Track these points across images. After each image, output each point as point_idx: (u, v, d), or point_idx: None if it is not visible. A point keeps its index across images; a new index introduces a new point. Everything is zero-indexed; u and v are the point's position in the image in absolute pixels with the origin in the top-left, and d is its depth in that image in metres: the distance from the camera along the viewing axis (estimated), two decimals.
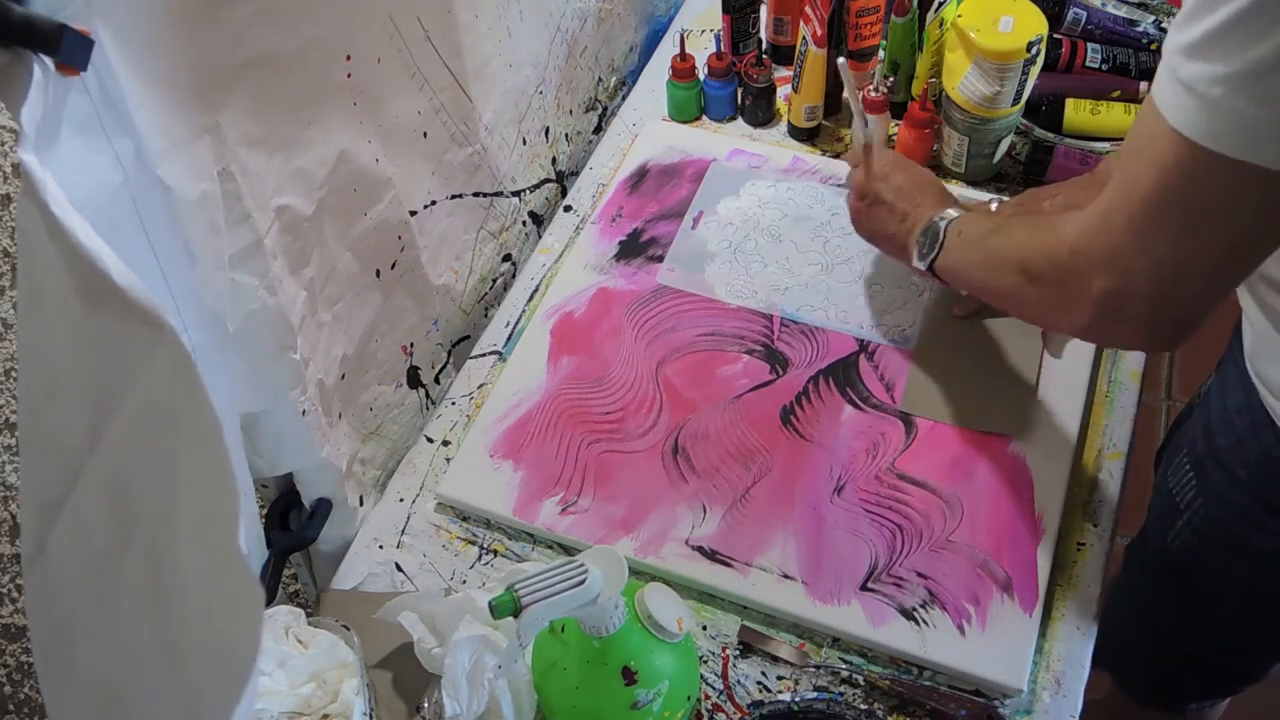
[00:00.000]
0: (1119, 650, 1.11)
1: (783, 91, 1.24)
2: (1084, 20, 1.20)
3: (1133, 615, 1.07)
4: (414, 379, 1.03)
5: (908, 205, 0.93)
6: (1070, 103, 1.13)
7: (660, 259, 1.11)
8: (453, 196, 1.01)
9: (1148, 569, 1.01)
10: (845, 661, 0.86)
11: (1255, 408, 0.80)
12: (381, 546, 0.96)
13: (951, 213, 0.88)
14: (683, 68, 1.22)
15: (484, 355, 1.08)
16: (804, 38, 1.11)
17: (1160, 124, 0.58)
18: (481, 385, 1.06)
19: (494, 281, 1.15)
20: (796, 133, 1.21)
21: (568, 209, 1.19)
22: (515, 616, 0.66)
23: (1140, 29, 1.20)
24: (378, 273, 0.92)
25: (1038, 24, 1.01)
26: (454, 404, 1.05)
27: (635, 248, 1.12)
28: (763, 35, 1.27)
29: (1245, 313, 0.80)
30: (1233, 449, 0.83)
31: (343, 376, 0.90)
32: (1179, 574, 0.95)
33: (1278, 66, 0.53)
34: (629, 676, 0.74)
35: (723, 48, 1.23)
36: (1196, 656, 1.04)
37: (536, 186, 1.19)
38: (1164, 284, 0.64)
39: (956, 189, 1.13)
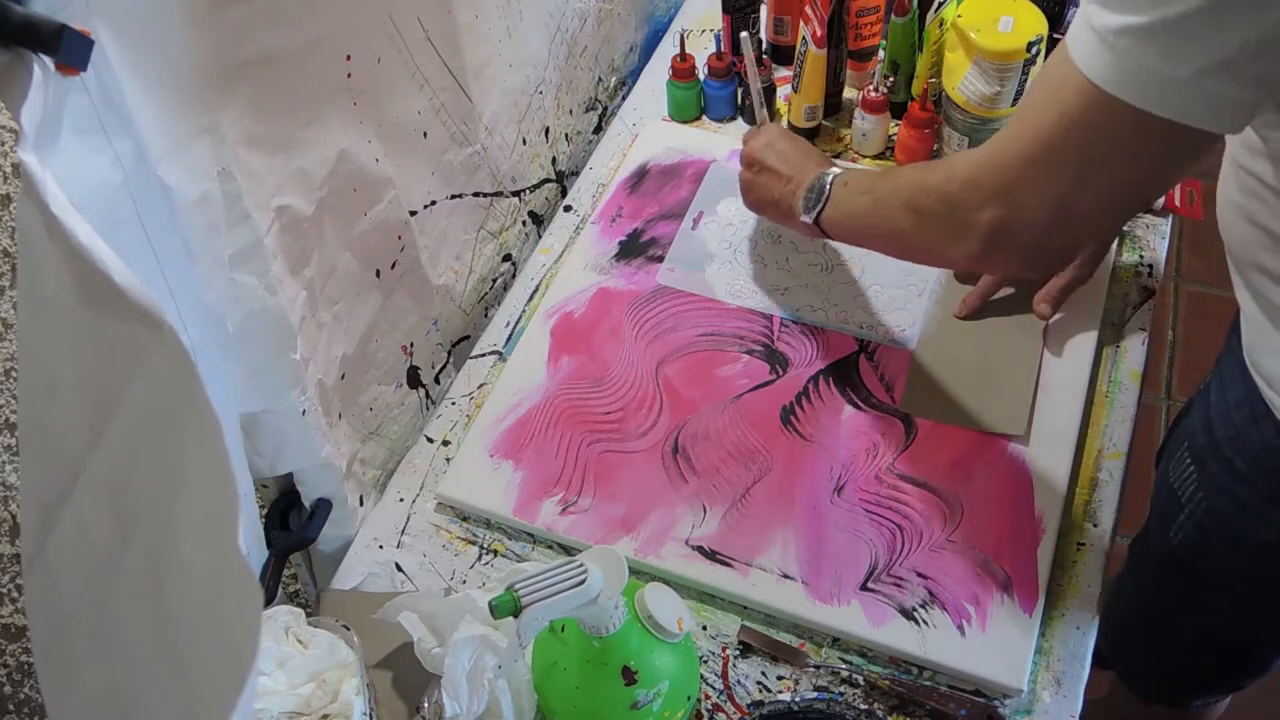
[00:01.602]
0: (1123, 647, 1.11)
1: (783, 91, 1.24)
2: None
3: (1136, 611, 1.07)
4: (414, 379, 1.03)
5: (792, 169, 0.96)
6: None
7: (660, 259, 1.11)
8: (453, 196, 1.01)
9: (1150, 564, 1.01)
10: (845, 661, 0.86)
11: (1254, 401, 0.80)
12: (381, 546, 0.96)
13: (835, 170, 0.92)
14: (683, 68, 1.22)
15: (484, 355, 1.08)
16: (804, 38, 1.11)
17: (1069, 69, 0.62)
18: (481, 385, 1.06)
19: (494, 281, 1.15)
20: (796, 133, 1.21)
21: (568, 209, 1.19)
22: (515, 616, 0.66)
23: None
24: (378, 273, 0.92)
25: (1038, 24, 1.01)
26: (454, 404, 1.05)
27: (635, 248, 1.12)
28: (763, 35, 1.27)
29: (1241, 307, 0.80)
30: (1233, 441, 0.83)
31: (343, 376, 0.90)
32: (1181, 568, 0.95)
33: (1184, 25, 0.56)
34: (629, 676, 0.74)
35: (723, 48, 1.23)
36: (1200, 651, 1.04)
37: (536, 186, 1.19)
38: (1051, 219, 0.68)
39: None
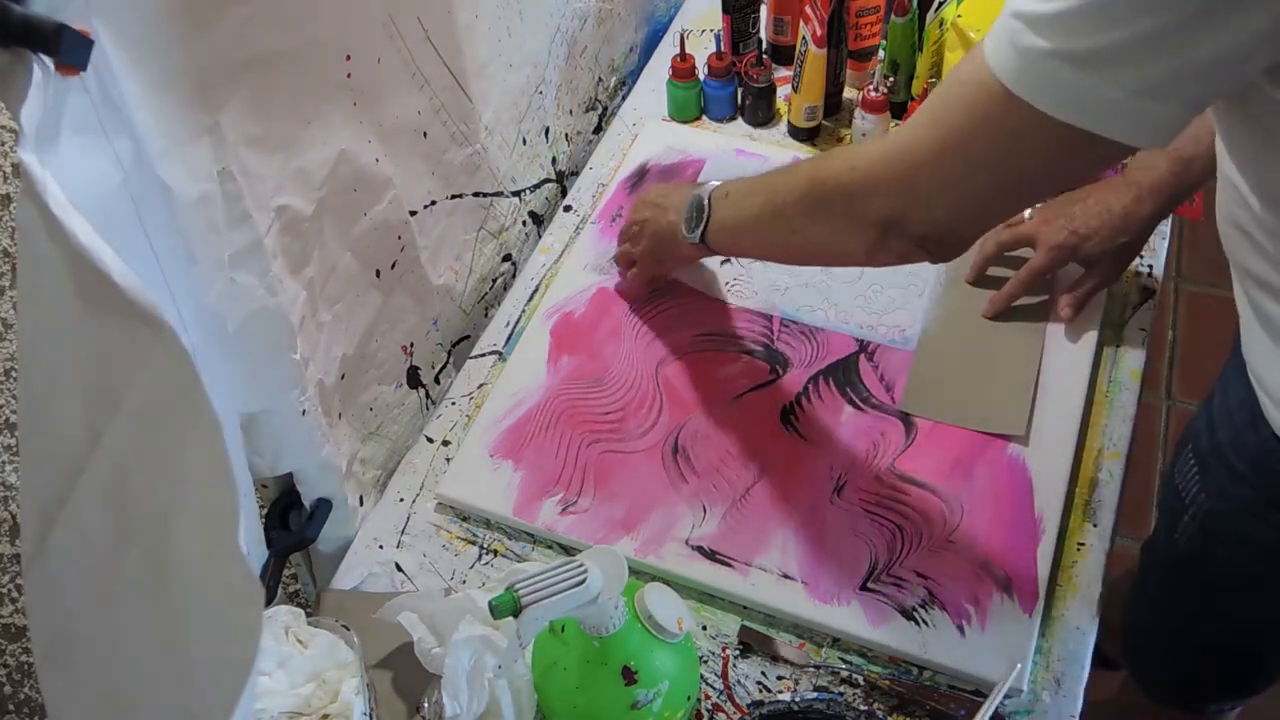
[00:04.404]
0: (1137, 650, 1.11)
1: (783, 91, 1.24)
2: None
3: (1148, 614, 1.07)
4: (414, 379, 1.03)
5: (667, 201, 0.94)
6: None
7: None
8: (453, 196, 1.01)
9: (1159, 567, 1.01)
10: (845, 661, 0.86)
11: (1253, 403, 0.80)
12: (381, 546, 0.96)
13: (711, 185, 0.89)
14: (683, 68, 1.22)
15: (484, 355, 1.08)
16: (804, 38, 1.11)
17: (983, 70, 0.61)
18: (481, 385, 1.06)
19: (494, 281, 1.15)
20: (796, 133, 1.21)
21: (568, 209, 1.20)
22: (515, 616, 0.66)
23: None
24: (378, 273, 0.92)
25: None
26: (454, 404, 1.05)
27: None
28: (763, 35, 1.27)
29: (1239, 310, 0.80)
30: (1232, 442, 0.83)
31: (343, 376, 0.90)
32: (1187, 570, 0.95)
33: (1111, 57, 0.55)
34: (629, 676, 0.74)
35: (723, 48, 1.23)
36: (1211, 654, 1.04)
37: (536, 186, 1.19)
38: (949, 211, 0.69)
39: None
